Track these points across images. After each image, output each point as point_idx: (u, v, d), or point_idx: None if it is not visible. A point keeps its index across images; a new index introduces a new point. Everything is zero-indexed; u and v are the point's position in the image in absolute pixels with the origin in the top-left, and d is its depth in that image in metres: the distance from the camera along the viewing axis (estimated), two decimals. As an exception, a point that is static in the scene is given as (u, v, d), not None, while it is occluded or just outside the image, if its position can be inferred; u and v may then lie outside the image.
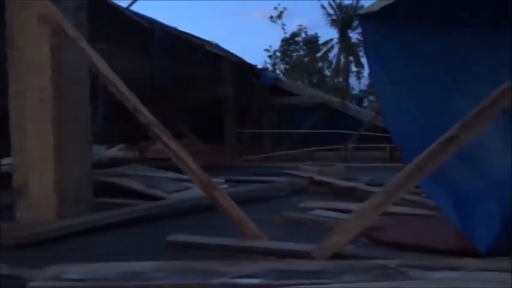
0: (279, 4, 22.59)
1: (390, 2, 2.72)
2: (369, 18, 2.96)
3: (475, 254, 2.04)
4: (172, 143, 2.61)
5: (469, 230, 2.43)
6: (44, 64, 2.95)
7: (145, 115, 2.66)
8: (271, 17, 23.25)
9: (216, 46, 7.12)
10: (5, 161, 5.09)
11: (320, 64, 24.83)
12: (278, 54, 22.92)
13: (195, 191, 3.94)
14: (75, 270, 1.81)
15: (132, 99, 2.69)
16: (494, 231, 2.35)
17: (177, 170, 2.97)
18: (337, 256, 2.04)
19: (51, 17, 2.90)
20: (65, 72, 3.04)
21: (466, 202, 2.52)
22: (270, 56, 22.01)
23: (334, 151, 8.04)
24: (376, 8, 2.82)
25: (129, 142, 8.78)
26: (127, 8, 5.52)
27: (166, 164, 3.66)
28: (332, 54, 25.73)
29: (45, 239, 2.62)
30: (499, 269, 1.61)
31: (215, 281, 1.65)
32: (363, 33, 2.99)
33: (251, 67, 8.59)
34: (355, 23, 26.52)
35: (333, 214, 3.29)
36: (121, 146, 9.05)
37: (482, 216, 2.43)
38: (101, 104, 4.33)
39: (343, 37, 25.79)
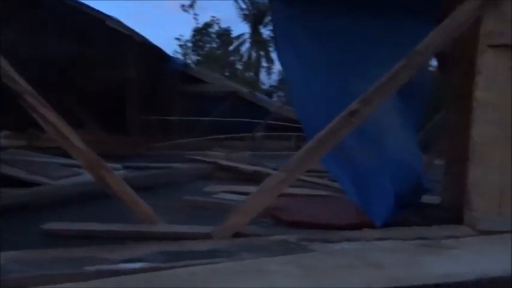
0: (190, -7, 22.04)
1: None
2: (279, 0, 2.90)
3: (372, 228, 2.05)
4: (52, 115, 2.23)
5: (366, 205, 2.48)
6: None
7: (17, 81, 2.23)
8: (183, 6, 22.63)
9: (119, 23, 6.46)
10: None
11: (232, 58, 24.88)
12: (190, 44, 22.41)
13: (86, 176, 3.55)
14: None
15: (3, 65, 2.24)
16: (389, 206, 2.42)
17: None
18: (238, 236, 1.91)
19: None
20: None
21: (364, 180, 2.58)
22: (181, 46, 21.45)
23: (242, 140, 8.02)
24: (287, -14, 2.75)
25: (16, 129, 7.78)
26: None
27: (60, 153, 3.24)
28: (244, 49, 25.93)
29: None
30: (393, 237, 1.61)
31: (90, 268, 1.38)
32: (272, 15, 2.91)
33: (159, 50, 8.05)
34: (267, 19, 27.03)
35: (235, 197, 3.17)
36: (6, 133, 7.97)
37: (378, 193, 2.50)
38: None
39: (255, 32, 26.11)
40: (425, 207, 2.88)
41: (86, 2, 5.66)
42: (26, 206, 2.81)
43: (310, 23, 2.86)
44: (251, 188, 3.38)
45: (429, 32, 2.14)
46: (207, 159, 4.67)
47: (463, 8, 2.05)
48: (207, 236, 1.95)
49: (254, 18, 26.01)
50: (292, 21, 2.86)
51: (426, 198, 2.93)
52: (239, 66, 23.98)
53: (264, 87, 21.73)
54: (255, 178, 4.02)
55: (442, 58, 2.97)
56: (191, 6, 22.51)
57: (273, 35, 3.01)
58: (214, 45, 24.40)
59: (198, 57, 21.18)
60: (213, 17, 23.48)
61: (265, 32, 27.15)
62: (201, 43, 23.17)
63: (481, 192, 2.04)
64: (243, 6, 25.87)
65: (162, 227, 2.12)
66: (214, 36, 24.26)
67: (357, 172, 2.61)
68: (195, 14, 23.05)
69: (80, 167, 3.66)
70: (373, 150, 2.68)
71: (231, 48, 25.19)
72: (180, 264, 1.40)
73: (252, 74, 22.38)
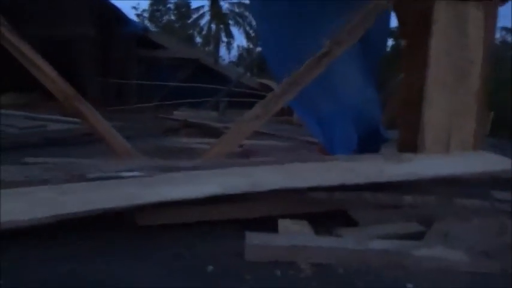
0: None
1: None
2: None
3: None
4: (26, 48, 2.20)
5: (331, 148, 2.67)
6: None
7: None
8: (140, -27, 21.70)
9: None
10: None
11: (191, 31, 24.34)
12: (146, 15, 21.65)
13: (51, 127, 3.50)
14: None
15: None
16: (351, 148, 2.62)
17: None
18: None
19: None
20: None
21: (327, 123, 2.76)
22: (138, 15, 20.68)
23: (204, 109, 8.00)
24: None
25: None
26: None
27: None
28: (203, 22, 25.42)
29: None
30: (360, 159, 1.78)
31: (90, 175, 1.45)
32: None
33: (117, 11, 7.72)
34: (227, -9, 26.48)
35: (204, 145, 3.25)
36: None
37: (340, 136, 2.69)
38: None
39: (214, 5, 25.64)
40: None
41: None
42: None
43: None
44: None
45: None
46: (176, 117, 4.70)
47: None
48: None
49: (212, -10, 25.53)
50: None
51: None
52: (198, 39, 23.55)
53: (224, 62, 21.57)
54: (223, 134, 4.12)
55: (400, 15, 3.16)
56: (147, -27, 21.64)
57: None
58: (173, 17, 23.74)
59: (156, 29, 20.57)
60: (170, -15, 22.76)
61: (225, 5, 26.70)
62: (158, 13, 22.47)
63: (431, 131, 2.25)
64: (204, -23, 25.27)
65: (141, 160, 2.17)
66: (172, 7, 23.58)
67: (321, 116, 2.79)
68: (153, -16, 22.20)
69: (46, 120, 3.61)
70: (334, 96, 2.85)
71: (189, 21, 24.62)
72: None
73: (211, 48, 22.08)
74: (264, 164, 1.64)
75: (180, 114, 5.02)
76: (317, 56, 2.23)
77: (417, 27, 2.55)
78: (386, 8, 2.24)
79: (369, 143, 2.99)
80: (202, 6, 26.18)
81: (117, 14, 7.79)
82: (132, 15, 19.29)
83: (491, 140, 4.20)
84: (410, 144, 2.44)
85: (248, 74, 9.68)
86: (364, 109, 2.86)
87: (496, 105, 6.62)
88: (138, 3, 21.70)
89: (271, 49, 2.89)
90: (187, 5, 24.43)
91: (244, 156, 2.62)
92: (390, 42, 8.07)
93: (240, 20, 25.75)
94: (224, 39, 25.27)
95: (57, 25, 6.28)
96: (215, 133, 4.25)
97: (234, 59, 22.55)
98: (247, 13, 25.25)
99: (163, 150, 2.99)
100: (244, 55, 23.01)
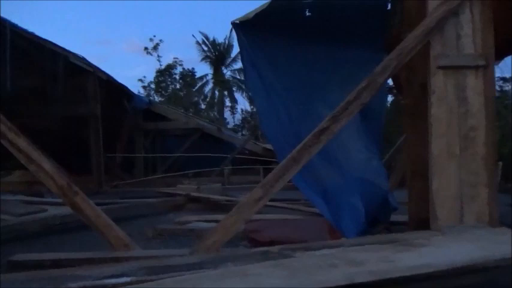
0: (154, 36, 22.29)
1: (263, 8, 2.83)
2: (243, 27, 3.04)
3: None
4: (22, 142, 2.19)
5: (338, 222, 2.55)
6: None
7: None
8: (146, 48, 22.79)
9: (83, 59, 6.41)
10: None
11: (196, 98, 25.09)
12: (153, 86, 22.41)
13: (51, 212, 3.43)
14: None
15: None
16: (359, 222, 2.51)
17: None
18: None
19: None
20: None
21: (333, 198, 2.67)
22: (144, 87, 21.39)
23: (209, 175, 7.96)
24: (251, 15, 2.91)
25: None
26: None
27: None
28: (207, 89, 26.29)
29: None
30: (368, 242, 1.67)
31: (73, 285, 1.34)
32: (238, 41, 3.05)
33: (122, 88, 7.99)
34: (228, 60, 27.76)
35: (206, 225, 3.15)
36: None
37: (348, 210, 2.58)
38: None
39: (217, 73, 26.66)
40: (393, 224, 2.98)
41: (50, 40, 5.63)
42: None
43: (269, 51, 3.02)
44: (222, 217, 3.40)
45: (381, 58, 2.33)
46: (178, 192, 4.62)
47: (414, 34, 2.25)
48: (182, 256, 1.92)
49: (216, 60, 26.66)
50: (254, 50, 3.02)
51: (394, 217, 3.04)
52: (203, 105, 24.17)
53: (228, 126, 21.93)
54: (227, 208, 4.02)
55: (397, 81, 3.19)
56: (154, 48, 22.75)
57: (241, 61, 3.15)
58: (178, 86, 24.59)
59: (161, 99, 21.21)
60: (176, 58, 23.79)
61: (227, 72, 27.77)
62: (163, 84, 23.29)
63: (442, 202, 2.16)
64: (205, 48, 26.50)
65: (138, 252, 2.07)
66: (177, 77, 24.51)
67: (326, 191, 2.71)
68: (159, 56, 23.25)
69: (46, 204, 3.56)
70: (339, 170, 2.80)
71: (194, 89, 25.48)
72: (165, 276, 1.39)
73: (215, 113, 22.59)
74: (263, 258, 1.52)
75: (183, 187, 4.94)
76: (315, 132, 2.19)
77: (417, 98, 2.55)
78: (381, 85, 2.23)
79: (377, 213, 2.88)
80: (206, 75, 27.18)
81: (123, 92, 8.07)
82: (138, 87, 20.03)
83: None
84: (422, 217, 2.33)
85: (252, 138, 9.73)
86: (370, 180, 2.79)
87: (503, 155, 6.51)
88: (145, 76, 22.49)
89: (269, 126, 2.88)
90: (192, 74, 25.40)
91: (250, 238, 2.49)
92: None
93: (243, 86, 26.54)
94: (228, 103, 25.93)
95: (69, 105, 6.48)
96: (219, 207, 4.16)
97: (238, 123, 22.93)
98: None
99: (164, 233, 2.87)
100: (248, 118, 23.44)
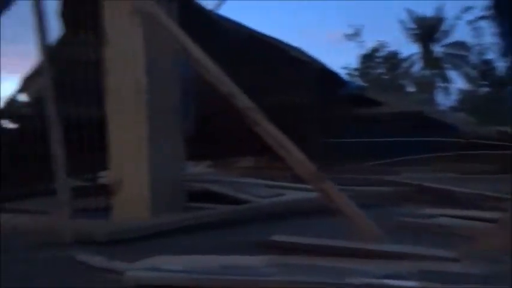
0: (354, 22, 22.01)
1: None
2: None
3: None
4: (273, 129, 2.31)
5: None
6: (138, 55, 2.85)
7: (241, 99, 2.40)
8: (347, 35, 22.70)
9: (300, 51, 6.75)
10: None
11: (402, 81, 23.68)
12: (356, 73, 22.18)
13: (290, 197, 3.62)
14: (174, 262, 1.54)
15: (227, 83, 2.46)
16: None
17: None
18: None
19: (145, 7, 2.81)
20: (155, 64, 2.92)
21: None
22: (349, 74, 21.39)
23: (427, 164, 7.23)
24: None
25: (214, 159, 8.67)
26: (213, 11, 5.46)
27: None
28: (414, 70, 24.42)
29: (138, 236, 2.44)
30: None
31: (355, 280, 1.26)
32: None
33: (336, 75, 8.08)
34: (438, 35, 25.09)
35: (457, 221, 2.74)
36: (209, 162, 8.94)
37: None
38: (192, 112, 4.10)
39: (426, 51, 24.39)
40: None
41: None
42: (234, 222, 2.96)
43: None
44: (472, 213, 2.92)
45: None
46: (406, 181, 4.29)
47: None
48: (454, 260, 1.65)
49: (423, 36, 24.38)
50: None
51: None
52: (410, 89, 22.62)
53: (441, 109, 19.89)
54: (470, 202, 3.48)
55: None
56: (356, 34, 22.47)
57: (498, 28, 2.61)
58: (382, 70, 23.69)
59: (366, 84, 20.82)
60: (380, 41, 22.90)
61: (437, 49, 25.14)
62: (368, 69, 22.78)
63: None
64: (410, 25, 24.55)
65: (397, 247, 1.90)
66: (381, 60, 23.60)
67: None
68: (361, 41, 22.84)
69: (282, 188, 3.80)
70: None
71: (400, 71, 24.06)
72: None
73: (425, 95, 20.78)
74: None
75: (409, 176, 4.57)
76: None
77: None
78: None
79: None
80: (413, 55, 25.29)
81: (335, 77, 8.13)
82: (343, 74, 20.19)
83: None
84: None
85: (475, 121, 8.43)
86: None
87: None
88: (349, 63, 22.45)
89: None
90: (396, 55, 24.03)
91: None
92: None
93: (458, 61, 23.60)
94: (440, 84, 23.54)
95: (279, 92, 6.91)
96: (457, 200, 3.64)
97: (453, 105, 20.52)
98: (465, 53, 23.05)
99: (406, 227, 2.63)
100: (466, 99, 20.71)
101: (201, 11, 4.58)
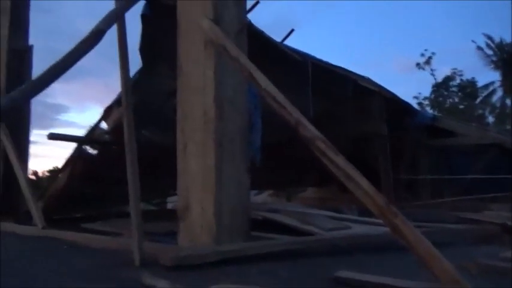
0: (425, 50, 21.23)
1: None
2: None
3: None
4: (340, 160, 2.25)
5: None
6: (208, 86, 2.97)
7: (309, 129, 2.38)
8: (418, 64, 21.87)
9: (368, 80, 6.59)
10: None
11: (480, 111, 22.16)
12: (427, 102, 21.19)
13: (356, 230, 3.48)
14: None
15: (294, 113, 2.46)
16: None
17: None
18: None
19: (216, 39, 2.93)
20: (224, 93, 3.01)
21: None
22: (419, 104, 20.49)
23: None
24: None
25: (277, 188, 8.64)
26: (281, 42, 5.55)
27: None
28: (495, 99, 22.76)
29: (202, 263, 2.46)
30: None
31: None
32: None
33: (406, 105, 7.75)
34: (521, 62, 23.31)
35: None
36: (270, 191, 8.96)
37: None
38: (258, 142, 4.11)
39: (507, 78, 22.69)
40: None
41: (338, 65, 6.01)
42: (296, 253, 2.87)
43: None
44: None
45: None
46: (488, 219, 3.93)
47: None
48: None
49: (504, 63, 22.73)
50: None
51: None
52: (490, 118, 21.05)
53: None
54: None
55: None
56: (427, 62, 21.60)
57: None
58: (456, 99, 22.39)
59: (439, 114, 19.77)
60: (454, 69, 21.78)
61: (520, 73, 23.28)
62: (440, 99, 21.67)
63: None
64: (489, 52, 23.10)
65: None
66: (455, 89, 22.36)
67: None
68: (432, 70, 21.88)
69: (348, 221, 3.65)
70: None
71: (477, 100, 22.57)
72: None
73: (508, 127, 19.18)
74: None
75: (492, 214, 4.18)
76: None
77: None
78: None
79: None
80: (492, 83, 23.67)
81: (406, 107, 7.81)
82: (413, 104, 19.39)
83: None
84: None
85: None
86: None
87: None
88: (419, 92, 21.56)
89: None
90: (473, 84, 22.64)
91: None
92: None
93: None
94: (524, 114, 21.66)
95: (348, 123, 6.75)
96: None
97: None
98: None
99: (489, 270, 2.38)
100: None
101: (270, 42, 4.69)
